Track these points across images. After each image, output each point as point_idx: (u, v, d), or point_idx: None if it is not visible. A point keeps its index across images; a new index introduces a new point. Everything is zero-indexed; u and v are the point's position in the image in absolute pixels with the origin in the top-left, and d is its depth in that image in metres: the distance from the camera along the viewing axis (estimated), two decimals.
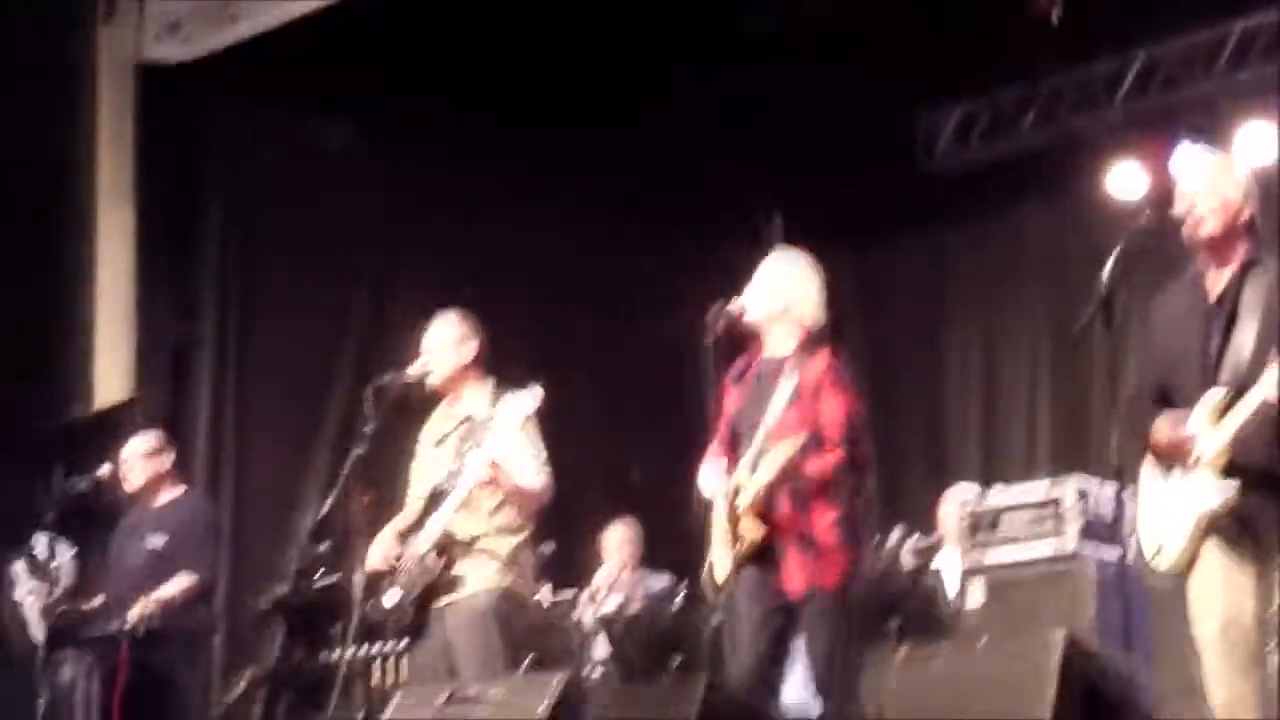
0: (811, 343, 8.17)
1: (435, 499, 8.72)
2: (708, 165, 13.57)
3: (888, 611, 8.95)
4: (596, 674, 10.58)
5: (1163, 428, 6.87)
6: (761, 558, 7.93)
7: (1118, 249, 7.13)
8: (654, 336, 11.13)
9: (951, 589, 10.34)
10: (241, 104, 13.17)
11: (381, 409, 9.03)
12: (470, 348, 8.92)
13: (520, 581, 8.82)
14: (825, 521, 7.93)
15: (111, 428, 12.12)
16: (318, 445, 12.78)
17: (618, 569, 11.96)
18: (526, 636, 9.35)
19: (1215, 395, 6.74)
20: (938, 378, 14.63)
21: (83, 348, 12.81)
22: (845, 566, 7.94)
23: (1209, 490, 6.71)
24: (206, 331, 13.09)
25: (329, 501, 9.53)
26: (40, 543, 10.26)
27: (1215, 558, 6.78)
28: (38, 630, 10.19)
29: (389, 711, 7.60)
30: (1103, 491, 10.13)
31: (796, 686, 8.75)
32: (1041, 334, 13.77)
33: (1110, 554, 10.02)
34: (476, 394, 8.88)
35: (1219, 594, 6.79)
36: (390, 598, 8.73)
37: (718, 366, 8.25)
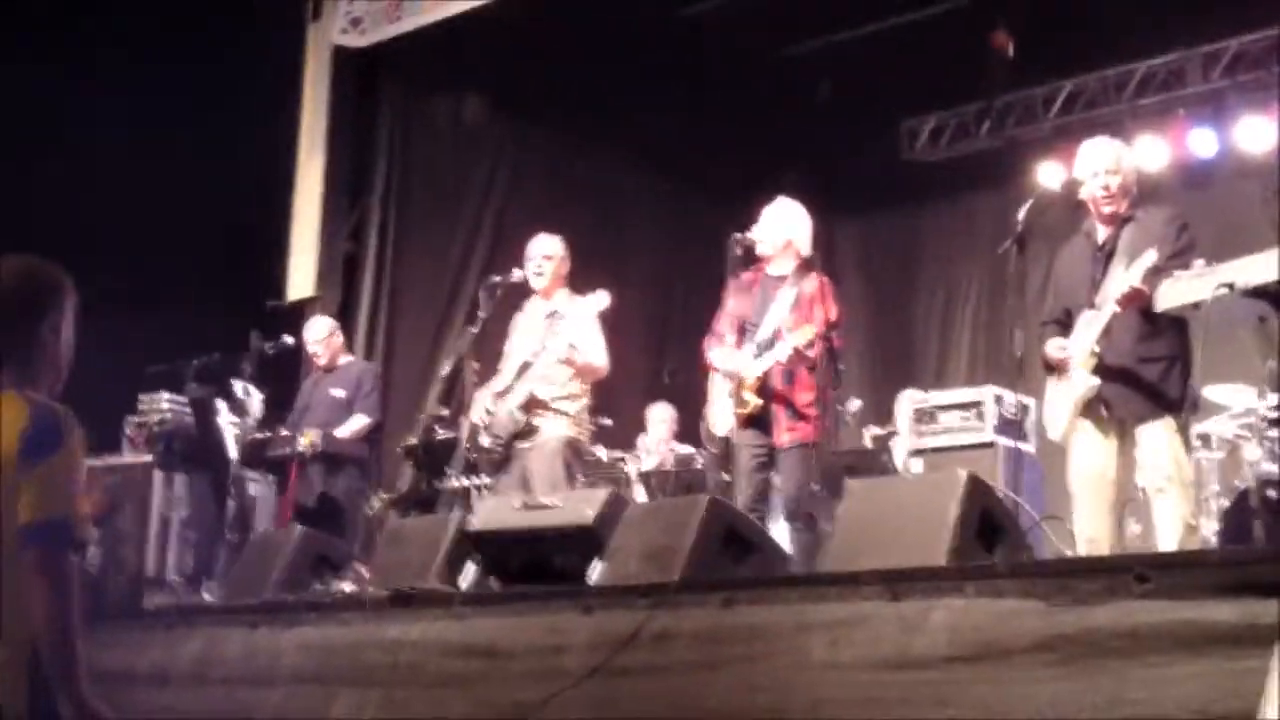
0: (806, 266, 8.34)
1: (523, 370, 8.89)
2: (752, 151, 13.66)
3: (850, 473, 9.00)
4: None
5: (1050, 348, 7.09)
6: (757, 420, 8.09)
7: (1029, 202, 7.33)
8: (692, 266, 11.21)
9: (899, 464, 10.41)
10: (405, 80, 13.30)
11: (492, 301, 9.22)
12: (564, 261, 9.09)
13: (581, 435, 9.04)
14: (807, 396, 8.10)
15: (298, 314, 12.33)
16: (447, 332, 12.91)
17: (656, 438, 12.09)
18: (584, 476, 9.51)
19: (1090, 314, 6.91)
20: (908, 313, 14.69)
21: (282, 258, 12.94)
22: (818, 428, 8.11)
23: (1080, 383, 6.89)
24: (370, 249, 13.17)
25: (447, 367, 9.78)
26: (239, 386, 10.43)
27: (1087, 429, 7.00)
28: (233, 452, 10.34)
29: (480, 511, 7.69)
30: (1012, 398, 10.23)
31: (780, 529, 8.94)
32: (985, 284, 13.82)
33: (1014, 442, 10.16)
34: (563, 296, 9.06)
35: (1087, 455, 7.01)
36: (484, 441, 8.93)
37: (732, 275, 8.41)
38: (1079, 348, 7.02)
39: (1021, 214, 7.38)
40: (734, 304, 8.44)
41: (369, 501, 10.87)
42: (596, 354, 8.98)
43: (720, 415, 8.34)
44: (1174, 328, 6.93)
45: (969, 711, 4.85)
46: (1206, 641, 4.42)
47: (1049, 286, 7.61)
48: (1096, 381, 6.95)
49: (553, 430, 8.91)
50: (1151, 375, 6.91)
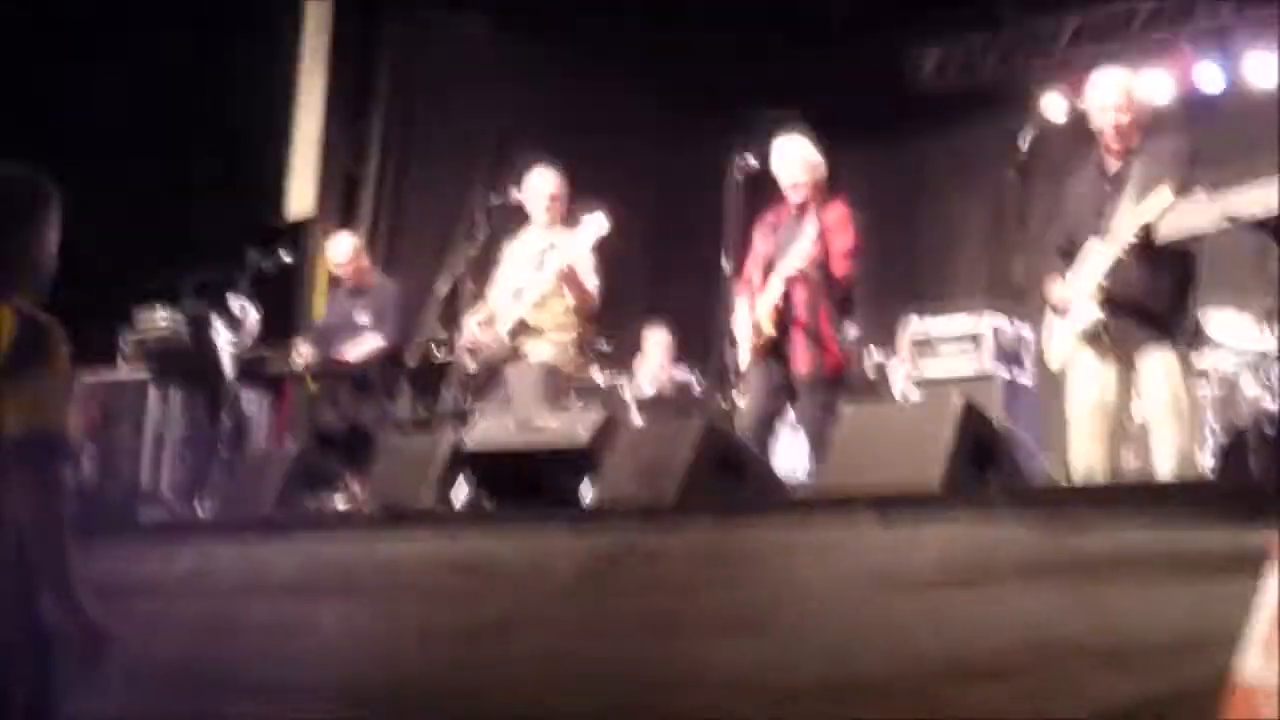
0: (824, 196, 8.34)
1: (517, 295, 8.89)
2: (757, 79, 13.61)
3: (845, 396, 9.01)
4: None
5: (1054, 292, 7.10)
6: (775, 350, 8.08)
7: (1032, 131, 7.33)
8: (692, 192, 11.17)
9: (898, 393, 10.43)
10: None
11: (491, 222, 9.21)
12: (562, 195, 9.10)
13: (567, 364, 9.13)
14: (828, 326, 8.09)
15: (297, 232, 12.37)
16: (447, 253, 12.88)
17: (653, 363, 12.07)
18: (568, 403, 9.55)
19: (1099, 245, 6.91)
20: (910, 243, 14.64)
21: (282, 176, 12.92)
22: (838, 359, 8.10)
23: (1085, 314, 6.88)
24: (371, 168, 13.17)
25: (445, 288, 9.82)
26: (236, 303, 10.39)
27: (1087, 359, 7.01)
28: (229, 368, 10.33)
29: (474, 431, 7.70)
30: (1012, 327, 10.23)
31: (785, 457, 9.01)
32: (988, 215, 13.81)
33: (1012, 374, 10.16)
34: (561, 230, 9.14)
35: (1086, 385, 7.03)
36: (470, 365, 9.08)
37: (743, 202, 8.39)
38: (1086, 278, 7.02)
39: (1024, 143, 7.37)
40: (760, 245, 8.46)
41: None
42: (589, 280, 9.02)
43: (744, 353, 8.40)
44: (1179, 259, 6.92)
45: (953, 629, 4.87)
46: (1195, 568, 4.43)
47: (1056, 216, 7.60)
48: (1100, 315, 6.96)
49: (539, 356, 8.98)
50: (1155, 306, 6.91)
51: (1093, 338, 7.05)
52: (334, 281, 11.00)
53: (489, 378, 8.99)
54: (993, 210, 13.47)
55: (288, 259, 10.85)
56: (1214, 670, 4.19)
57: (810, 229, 8.26)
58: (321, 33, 13.00)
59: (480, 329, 9.07)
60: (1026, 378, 10.28)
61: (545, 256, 9.10)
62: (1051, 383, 9.09)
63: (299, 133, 12.98)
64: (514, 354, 8.95)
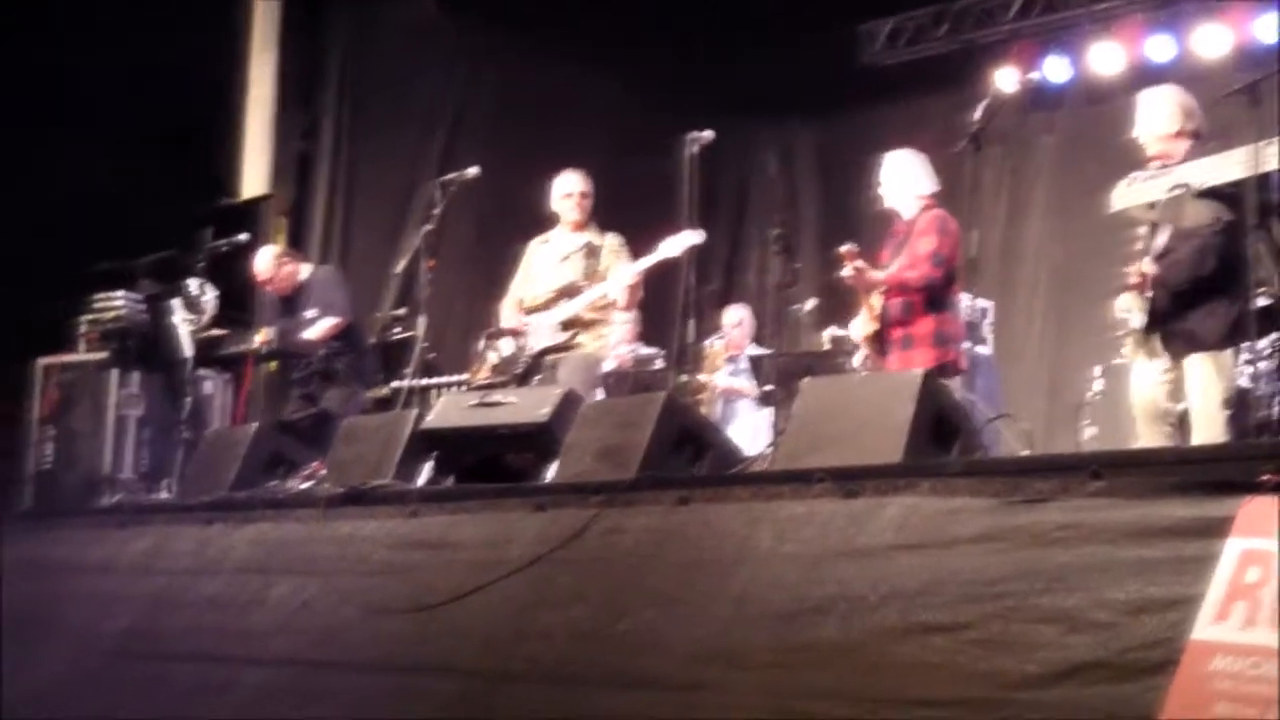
0: (928, 205, 8.67)
1: (568, 291, 9.16)
2: (712, 58, 13.61)
3: (805, 372, 9.01)
4: None
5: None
6: (882, 349, 8.39)
7: (984, 103, 7.32)
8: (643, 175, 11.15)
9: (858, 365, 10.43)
10: None
11: (446, 198, 9.19)
12: (591, 196, 9.48)
13: (605, 355, 9.69)
14: (925, 327, 8.28)
15: (253, 212, 12.31)
16: (403, 230, 12.85)
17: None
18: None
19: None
20: (864, 216, 14.58)
21: (235, 156, 12.86)
22: (929, 358, 8.09)
23: (1133, 321, 6.88)
24: (324, 147, 13.11)
25: (401, 265, 9.80)
26: (193, 284, 10.32)
27: (1142, 358, 6.95)
28: (187, 349, 10.26)
29: (435, 410, 7.68)
30: (970, 300, 10.20)
31: None
32: (943, 188, 13.82)
33: (972, 345, 10.14)
34: (592, 228, 9.41)
35: (1139, 382, 7.04)
36: (506, 348, 9.26)
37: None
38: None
39: (977, 115, 7.37)
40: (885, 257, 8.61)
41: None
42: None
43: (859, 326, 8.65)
44: (1210, 258, 6.74)
45: (907, 591, 4.90)
46: (1153, 534, 4.46)
47: None
48: (1141, 322, 6.96)
49: (589, 345, 9.24)
50: (1191, 311, 6.81)
51: (1141, 341, 7.00)
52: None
53: (532, 365, 9.15)
54: (946, 184, 13.48)
55: (244, 239, 10.78)
56: (1168, 629, 4.23)
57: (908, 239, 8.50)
58: (272, 9, 12.92)
59: (520, 312, 9.30)
60: (986, 348, 10.28)
61: (584, 253, 9.33)
62: (1013, 353, 9.05)
63: (252, 111, 12.91)
64: (567, 345, 9.13)
